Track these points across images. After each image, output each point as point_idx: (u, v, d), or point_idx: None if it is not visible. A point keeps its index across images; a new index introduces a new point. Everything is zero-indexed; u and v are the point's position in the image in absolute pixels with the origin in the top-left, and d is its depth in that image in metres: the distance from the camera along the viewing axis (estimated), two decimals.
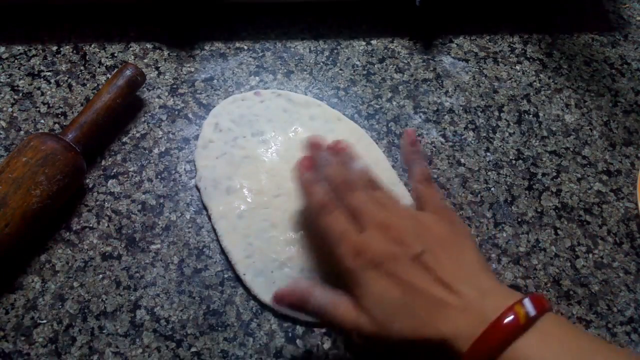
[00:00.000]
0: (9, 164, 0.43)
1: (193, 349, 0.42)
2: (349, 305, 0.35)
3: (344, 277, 0.36)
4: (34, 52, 0.55)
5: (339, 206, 0.38)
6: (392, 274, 0.34)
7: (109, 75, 0.54)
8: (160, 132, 0.51)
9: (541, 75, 0.57)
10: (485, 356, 0.30)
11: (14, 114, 0.51)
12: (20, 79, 0.53)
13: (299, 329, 0.43)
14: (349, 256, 0.35)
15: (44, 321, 0.42)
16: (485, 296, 0.32)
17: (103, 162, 0.49)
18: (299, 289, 0.37)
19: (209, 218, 0.47)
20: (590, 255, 0.48)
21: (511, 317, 0.30)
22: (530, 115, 0.55)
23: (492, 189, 0.50)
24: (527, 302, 0.30)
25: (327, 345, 0.43)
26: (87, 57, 0.55)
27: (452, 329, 0.31)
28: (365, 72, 0.56)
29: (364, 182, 0.40)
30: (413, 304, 0.33)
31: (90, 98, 0.52)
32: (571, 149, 0.53)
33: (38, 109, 0.52)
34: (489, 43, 0.59)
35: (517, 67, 0.58)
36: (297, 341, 0.43)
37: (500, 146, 0.53)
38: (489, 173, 0.51)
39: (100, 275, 0.44)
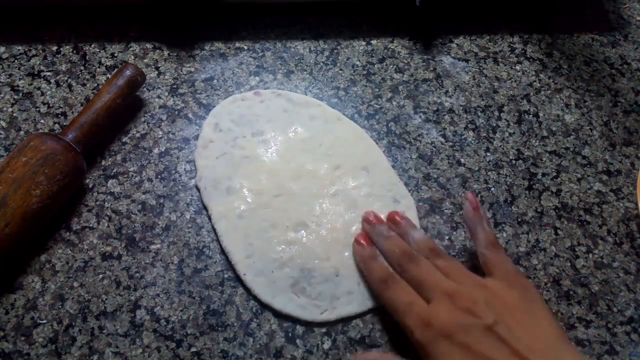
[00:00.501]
0: (9, 164, 0.43)
1: (193, 349, 0.42)
2: None
3: (418, 349, 0.36)
4: (34, 52, 0.55)
5: (402, 279, 0.38)
6: (465, 345, 0.32)
7: (109, 75, 0.54)
8: (160, 132, 0.51)
9: (541, 75, 0.58)
10: None
11: (14, 114, 0.51)
12: (20, 79, 0.53)
13: (299, 329, 0.43)
14: (418, 328, 0.35)
15: (44, 321, 0.42)
16: None
17: (103, 162, 0.49)
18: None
19: (209, 218, 0.47)
20: (590, 255, 0.48)
21: None
22: (530, 115, 0.55)
23: (492, 189, 0.50)
24: None
25: (327, 345, 0.43)
26: (87, 57, 0.55)
27: None
28: (365, 72, 0.56)
29: (425, 252, 0.40)
30: None
31: (90, 98, 0.52)
32: (571, 149, 0.53)
33: (38, 109, 0.52)
34: (489, 43, 0.59)
35: (517, 67, 0.58)
36: (297, 341, 0.43)
37: (500, 146, 0.53)
38: (489, 173, 0.51)
39: (100, 275, 0.44)
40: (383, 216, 0.47)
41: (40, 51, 0.55)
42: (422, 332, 0.34)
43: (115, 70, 0.51)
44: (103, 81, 0.54)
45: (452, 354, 0.32)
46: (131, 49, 0.56)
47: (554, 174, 0.52)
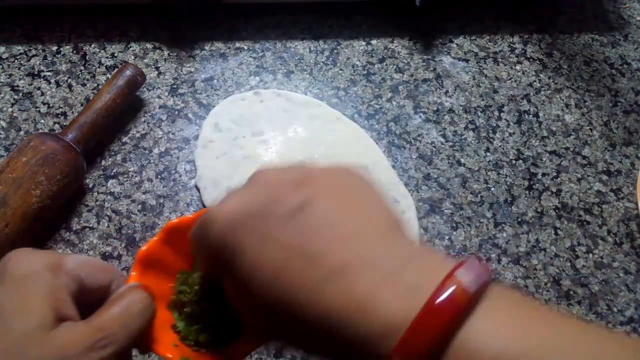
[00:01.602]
0: (9, 164, 0.43)
1: None
2: None
3: (203, 260, 0.27)
4: (34, 52, 0.55)
5: None
6: (263, 237, 0.23)
7: (109, 75, 0.54)
8: (160, 132, 0.51)
9: (541, 75, 0.57)
10: (421, 354, 0.20)
11: (14, 114, 0.51)
12: (20, 79, 0.53)
13: None
14: (197, 231, 0.26)
15: None
16: (407, 261, 0.22)
17: (103, 162, 0.49)
18: None
19: None
20: (590, 255, 0.48)
21: (446, 296, 0.20)
22: (530, 115, 0.55)
23: (492, 189, 0.50)
24: (462, 273, 0.21)
25: None
26: (87, 57, 0.55)
27: (366, 307, 0.21)
28: (365, 72, 0.56)
29: None
30: (296, 273, 0.22)
31: (90, 98, 0.52)
32: (571, 149, 0.53)
33: (38, 109, 0.52)
34: (489, 43, 0.59)
35: (517, 67, 0.58)
36: None
37: (500, 146, 0.53)
38: (489, 173, 0.51)
39: None
40: None
41: (40, 51, 0.55)
42: (200, 232, 0.25)
43: (115, 70, 0.51)
44: (103, 81, 0.54)
45: (244, 248, 0.23)
46: (131, 49, 0.56)
47: (554, 174, 0.52)
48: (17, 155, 0.44)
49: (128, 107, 0.51)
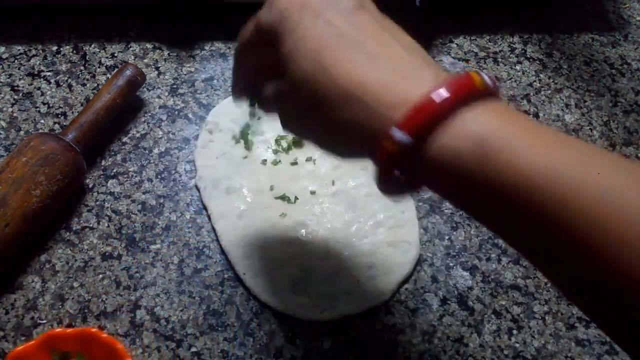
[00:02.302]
0: (9, 164, 0.43)
1: (193, 349, 0.42)
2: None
3: (271, 43, 0.29)
4: (34, 52, 0.55)
5: None
6: (320, 16, 0.27)
7: (109, 75, 0.54)
8: (160, 132, 0.51)
9: (541, 75, 0.57)
10: (419, 126, 0.24)
11: (14, 114, 0.51)
12: (20, 79, 0.53)
13: (299, 329, 0.43)
14: (267, 9, 0.29)
15: (44, 321, 0.42)
16: (429, 65, 0.26)
17: (103, 162, 0.49)
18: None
19: (209, 218, 0.47)
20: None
21: (465, 79, 0.24)
22: (530, 115, 0.55)
23: None
24: (483, 73, 0.25)
25: (327, 345, 0.43)
26: (87, 57, 0.55)
27: (383, 88, 0.25)
28: None
29: None
30: (336, 51, 0.26)
31: (90, 98, 0.52)
32: None
33: (38, 109, 0.52)
34: (489, 43, 0.59)
35: (517, 67, 0.58)
36: (297, 341, 0.43)
37: None
38: None
39: (100, 275, 0.44)
40: (382, 215, 0.47)
41: (40, 51, 0.55)
42: (268, 10, 0.29)
43: (115, 70, 0.51)
44: (103, 81, 0.54)
45: (300, 23, 0.27)
46: (131, 49, 0.56)
47: None
48: (17, 155, 0.44)
49: (128, 107, 0.51)
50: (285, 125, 0.32)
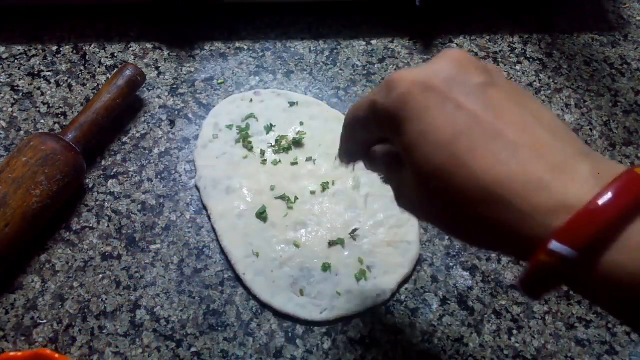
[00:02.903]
0: (9, 164, 0.43)
1: (193, 349, 0.42)
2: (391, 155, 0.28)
3: (389, 129, 0.26)
4: (34, 52, 0.55)
5: None
6: (448, 100, 0.24)
7: (109, 75, 0.54)
8: (160, 132, 0.51)
9: (541, 75, 0.57)
10: (585, 240, 0.20)
11: (14, 114, 0.51)
12: (20, 79, 0.53)
13: (299, 329, 0.43)
14: (381, 90, 0.26)
15: (44, 321, 0.42)
16: (583, 155, 0.23)
17: (103, 162, 0.49)
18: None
19: (209, 218, 0.47)
20: None
21: (633, 179, 0.20)
22: None
23: None
24: None
25: (327, 345, 0.43)
26: (87, 57, 0.55)
27: (532, 187, 0.21)
28: (365, 72, 0.56)
29: None
30: (472, 142, 0.23)
31: (91, 98, 0.52)
32: None
33: (38, 109, 0.52)
34: (489, 43, 0.59)
35: (517, 67, 0.58)
36: (297, 341, 0.43)
37: None
38: None
39: (100, 275, 0.44)
40: (382, 215, 0.47)
41: (40, 51, 0.55)
42: (386, 92, 0.25)
43: (115, 70, 0.51)
44: (103, 81, 0.54)
45: (434, 108, 0.24)
46: (131, 49, 0.56)
47: None
48: (17, 155, 0.44)
49: (128, 107, 0.51)
50: (400, 202, 0.29)
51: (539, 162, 0.22)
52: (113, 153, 0.50)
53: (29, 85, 0.53)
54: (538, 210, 0.21)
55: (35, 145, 0.44)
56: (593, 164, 0.22)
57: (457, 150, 0.23)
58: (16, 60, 0.54)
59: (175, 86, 0.54)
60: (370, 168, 0.33)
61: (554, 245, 0.21)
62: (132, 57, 0.55)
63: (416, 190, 0.26)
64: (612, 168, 0.22)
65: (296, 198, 0.47)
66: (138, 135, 0.51)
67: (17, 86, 0.53)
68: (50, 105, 0.52)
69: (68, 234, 0.46)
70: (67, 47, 0.56)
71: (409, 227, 0.47)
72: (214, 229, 0.46)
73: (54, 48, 0.55)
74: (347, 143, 0.33)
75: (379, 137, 0.29)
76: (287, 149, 0.50)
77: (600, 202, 0.20)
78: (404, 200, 0.29)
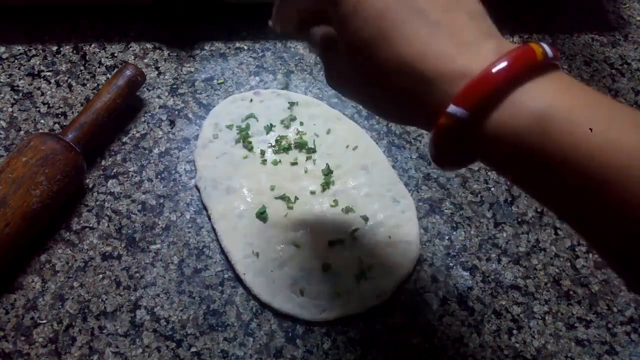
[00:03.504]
0: (9, 164, 0.43)
1: (193, 349, 0.42)
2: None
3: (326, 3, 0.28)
4: (34, 52, 0.55)
5: None
6: None
7: (109, 75, 0.54)
8: (160, 132, 0.51)
9: None
10: (477, 102, 0.23)
11: (14, 114, 0.51)
12: (20, 79, 0.53)
13: (299, 329, 0.43)
14: None
15: (44, 321, 0.42)
16: (490, 35, 0.26)
17: (103, 162, 0.49)
18: None
19: (209, 218, 0.47)
20: (590, 255, 0.48)
21: (526, 52, 0.23)
22: None
23: (492, 189, 0.50)
24: (544, 43, 0.24)
25: (327, 345, 0.43)
26: (87, 57, 0.55)
27: (442, 61, 0.24)
28: None
29: None
30: (397, 19, 0.25)
31: (91, 98, 0.52)
32: None
33: (38, 109, 0.52)
34: None
35: None
36: (297, 341, 0.43)
37: None
38: (489, 173, 0.51)
39: (100, 275, 0.44)
40: (382, 215, 0.47)
41: (40, 51, 0.55)
42: None
43: (115, 71, 0.51)
44: (103, 81, 0.54)
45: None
46: (131, 49, 0.56)
47: None
48: (17, 155, 0.44)
49: (128, 107, 0.51)
50: (330, 79, 0.32)
51: (451, 40, 0.25)
52: (113, 153, 0.50)
53: (29, 85, 0.53)
54: (443, 80, 0.24)
55: (35, 145, 0.44)
56: (498, 43, 0.25)
57: (384, 24, 0.25)
58: (16, 60, 0.54)
59: (175, 86, 0.54)
60: (309, 46, 0.34)
61: (452, 108, 0.23)
62: (132, 57, 0.55)
63: (345, 65, 0.28)
64: (513, 46, 0.24)
65: (296, 198, 0.47)
66: (138, 135, 0.51)
67: (17, 86, 0.53)
68: (50, 105, 0.52)
69: (68, 234, 0.46)
70: (67, 47, 0.56)
71: (409, 227, 0.47)
72: (214, 229, 0.46)
73: (54, 48, 0.55)
74: (283, 9, 0.34)
75: (314, 11, 0.31)
76: (287, 149, 0.50)
77: (494, 69, 0.23)
78: (334, 77, 0.31)
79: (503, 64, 0.23)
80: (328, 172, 0.49)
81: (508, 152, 0.24)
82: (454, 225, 0.48)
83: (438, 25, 0.25)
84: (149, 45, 0.56)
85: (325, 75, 0.32)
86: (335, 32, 0.28)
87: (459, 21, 0.26)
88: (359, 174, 0.49)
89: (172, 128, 0.52)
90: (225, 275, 0.45)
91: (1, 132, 0.50)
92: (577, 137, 0.22)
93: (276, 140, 0.50)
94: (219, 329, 0.43)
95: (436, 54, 0.25)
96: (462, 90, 0.23)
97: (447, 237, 0.48)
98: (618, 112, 0.23)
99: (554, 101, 0.23)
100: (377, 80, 0.27)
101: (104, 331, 0.42)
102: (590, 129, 0.22)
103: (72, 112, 0.52)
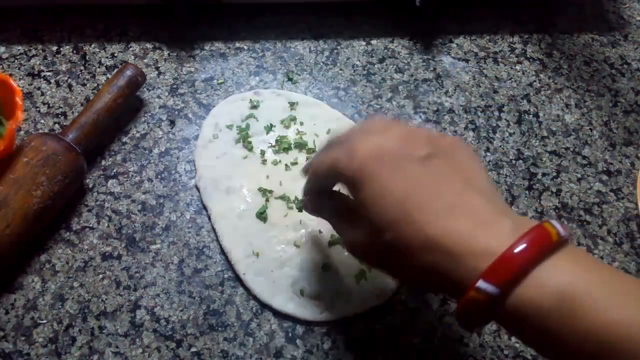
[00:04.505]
0: (10, 164, 0.43)
1: (193, 349, 0.42)
2: (345, 221, 0.34)
3: (348, 186, 0.32)
4: (34, 52, 0.55)
5: None
6: (397, 169, 0.30)
7: (109, 75, 0.54)
8: (160, 132, 0.51)
9: (541, 75, 0.57)
10: (505, 279, 0.26)
11: None
12: (20, 79, 0.53)
13: (299, 329, 0.43)
14: (343, 158, 0.32)
15: (44, 321, 0.42)
16: (504, 213, 0.29)
17: (103, 162, 0.49)
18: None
19: (209, 218, 0.47)
20: (590, 255, 0.48)
21: (542, 234, 0.26)
22: (530, 115, 0.55)
23: None
24: (555, 223, 0.27)
25: (327, 345, 0.43)
26: (87, 57, 0.55)
27: (465, 239, 0.27)
28: (365, 72, 0.56)
29: None
30: (419, 202, 0.29)
31: (91, 98, 0.52)
32: (571, 149, 0.53)
33: (38, 109, 0.52)
34: (489, 43, 0.59)
35: (517, 67, 0.58)
36: (297, 341, 0.43)
37: (500, 146, 0.53)
38: (489, 173, 0.51)
39: (100, 275, 0.44)
40: None
41: (40, 51, 0.55)
42: (347, 159, 0.31)
43: (115, 71, 0.51)
44: (103, 81, 0.54)
45: (381, 176, 0.30)
46: (131, 49, 0.56)
47: (554, 174, 0.52)
48: (17, 156, 0.44)
49: (128, 107, 0.51)
50: (353, 251, 0.35)
51: (471, 219, 0.28)
52: (113, 153, 0.50)
53: (29, 85, 0.53)
54: (468, 256, 0.27)
55: (36, 145, 0.44)
56: (513, 220, 0.28)
57: (408, 207, 0.29)
58: (16, 60, 0.54)
59: (175, 86, 0.54)
60: (323, 215, 0.39)
61: (481, 283, 0.26)
62: (132, 57, 0.55)
63: (369, 240, 0.31)
64: (527, 223, 0.27)
65: (296, 198, 0.47)
66: (138, 135, 0.51)
67: (17, 86, 0.53)
68: (50, 105, 0.52)
69: (68, 234, 0.46)
70: (67, 47, 0.56)
71: None
72: (214, 229, 0.46)
73: (54, 48, 0.55)
74: (311, 189, 0.39)
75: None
76: (287, 149, 0.50)
77: (516, 250, 0.26)
78: (356, 249, 0.34)
79: (523, 246, 0.26)
80: None
81: (532, 325, 0.26)
82: None
83: (454, 206, 0.28)
84: (149, 45, 0.56)
85: (348, 246, 0.35)
86: (358, 211, 0.31)
87: (474, 201, 0.29)
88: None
89: (172, 128, 0.52)
90: (225, 275, 0.45)
91: None
92: (597, 313, 0.25)
93: (276, 140, 0.50)
94: (219, 329, 0.43)
95: (460, 232, 0.27)
96: (490, 268, 0.26)
97: None
98: (631, 287, 0.26)
99: (573, 278, 0.26)
100: (405, 257, 0.29)
101: (104, 331, 0.42)
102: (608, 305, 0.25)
103: (72, 112, 0.52)
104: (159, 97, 0.53)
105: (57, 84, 0.53)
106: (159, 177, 0.49)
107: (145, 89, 0.53)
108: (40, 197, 0.42)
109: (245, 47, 0.57)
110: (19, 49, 0.55)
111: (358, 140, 0.32)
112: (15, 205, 0.41)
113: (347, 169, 0.31)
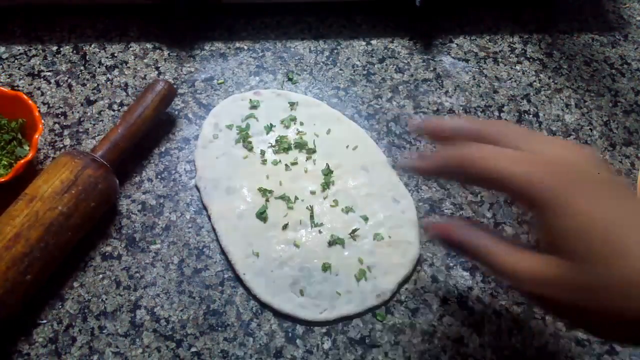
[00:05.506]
0: (47, 180, 0.42)
1: (193, 349, 0.42)
2: (530, 254, 0.29)
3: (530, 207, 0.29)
4: (34, 52, 0.55)
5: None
6: (594, 192, 0.27)
7: (109, 75, 0.54)
8: (160, 132, 0.51)
9: (541, 75, 0.58)
10: None
11: None
12: (20, 79, 0.53)
13: (299, 329, 0.43)
14: (538, 174, 0.28)
15: (44, 321, 0.42)
16: None
17: None
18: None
19: (209, 218, 0.47)
20: None
21: None
22: (530, 115, 0.55)
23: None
24: None
25: (327, 345, 0.43)
26: (87, 57, 0.55)
27: None
28: (365, 72, 0.56)
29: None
30: (625, 232, 0.25)
31: (91, 98, 0.52)
32: None
33: (38, 109, 0.52)
34: (489, 43, 0.59)
35: (517, 67, 0.58)
36: (297, 341, 0.43)
37: None
38: None
39: (100, 275, 0.44)
40: (382, 215, 0.47)
41: (40, 51, 0.55)
42: (541, 177, 0.27)
43: (146, 86, 0.49)
44: (103, 81, 0.54)
45: (579, 200, 0.26)
46: (131, 49, 0.56)
47: None
48: (61, 189, 0.42)
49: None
50: (537, 287, 0.29)
51: None
52: None
53: (29, 85, 0.53)
54: None
55: (75, 169, 0.43)
56: None
57: (614, 241, 0.25)
58: (16, 60, 0.54)
59: (175, 86, 0.54)
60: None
61: None
62: (132, 57, 0.55)
63: (571, 275, 0.27)
64: None
65: (296, 198, 0.47)
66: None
67: (17, 86, 0.53)
68: (50, 105, 0.52)
69: None
70: (67, 47, 0.56)
71: (409, 227, 0.47)
72: (214, 229, 0.46)
73: (54, 48, 0.55)
74: (441, 161, 0.32)
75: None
76: (287, 149, 0.50)
77: None
78: (542, 285, 0.28)
79: None
80: (328, 172, 0.49)
81: None
82: None
83: None
84: (149, 45, 0.56)
85: (513, 281, 0.30)
86: (546, 238, 0.28)
87: None
88: (359, 174, 0.49)
89: (172, 128, 0.52)
90: (225, 275, 0.45)
91: None
92: None
93: (276, 140, 0.50)
94: (219, 329, 0.43)
95: None
96: None
97: None
98: None
99: None
100: (611, 299, 0.25)
101: (104, 331, 0.42)
102: None
103: (72, 112, 0.52)
104: None
105: (57, 84, 0.53)
106: (159, 177, 0.49)
107: None
108: (73, 224, 0.42)
109: (245, 47, 0.57)
110: (19, 49, 0.55)
111: (540, 150, 0.28)
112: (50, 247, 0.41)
113: (534, 191, 0.28)
